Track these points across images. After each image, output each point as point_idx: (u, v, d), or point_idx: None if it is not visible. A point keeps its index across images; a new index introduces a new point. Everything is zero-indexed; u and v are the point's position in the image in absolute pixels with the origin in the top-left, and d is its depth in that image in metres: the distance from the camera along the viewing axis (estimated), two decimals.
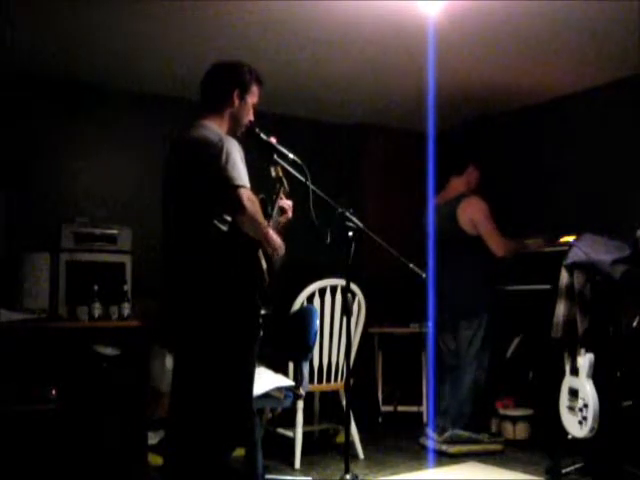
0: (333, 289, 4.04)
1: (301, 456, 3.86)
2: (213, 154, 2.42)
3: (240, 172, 2.41)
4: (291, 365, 3.80)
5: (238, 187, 2.39)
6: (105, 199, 4.67)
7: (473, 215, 4.22)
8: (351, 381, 3.11)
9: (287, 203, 2.72)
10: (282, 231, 2.67)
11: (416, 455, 4.14)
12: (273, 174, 2.70)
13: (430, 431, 4.28)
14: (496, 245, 4.18)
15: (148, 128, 4.78)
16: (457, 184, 4.42)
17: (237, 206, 2.39)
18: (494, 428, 4.48)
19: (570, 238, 3.99)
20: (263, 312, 2.53)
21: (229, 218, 2.45)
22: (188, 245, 2.49)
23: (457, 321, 4.28)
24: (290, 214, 2.73)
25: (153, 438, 3.97)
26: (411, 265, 3.06)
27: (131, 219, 4.43)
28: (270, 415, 4.22)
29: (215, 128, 2.56)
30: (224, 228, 2.44)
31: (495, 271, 4.35)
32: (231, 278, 2.45)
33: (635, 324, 3.44)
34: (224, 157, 2.40)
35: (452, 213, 4.27)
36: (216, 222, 2.43)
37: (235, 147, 2.46)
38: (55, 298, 3.94)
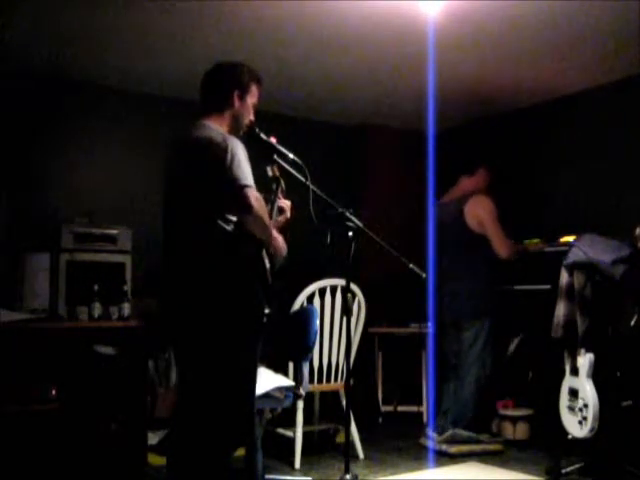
0: (333, 289, 4.04)
1: (301, 456, 3.86)
2: (218, 154, 2.42)
3: (245, 172, 2.42)
4: (291, 365, 3.80)
5: (244, 187, 2.39)
6: (105, 199, 4.67)
7: (480, 213, 4.21)
8: (351, 381, 3.11)
9: (286, 203, 2.72)
10: (283, 231, 2.67)
11: (416, 455, 4.14)
12: (270, 174, 2.70)
13: (430, 431, 4.28)
14: (501, 246, 4.17)
15: (148, 128, 4.79)
16: (466, 184, 4.40)
17: (244, 206, 2.38)
18: (494, 428, 4.48)
19: (570, 238, 3.99)
20: (267, 311, 2.53)
21: (233, 218, 2.45)
22: (192, 245, 2.49)
23: (460, 321, 4.27)
24: (289, 214, 2.73)
25: (153, 438, 3.97)
26: (411, 265, 3.06)
27: (131, 219, 4.43)
28: (270, 415, 4.22)
29: (218, 128, 2.56)
30: (228, 228, 2.44)
31: (500, 272, 4.33)
32: (235, 278, 2.45)
33: (633, 323, 3.44)
34: (229, 157, 2.40)
35: (459, 210, 4.26)
36: (220, 222, 2.43)
37: (239, 147, 2.46)
38: (55, 298, 3.94)
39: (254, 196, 2.40)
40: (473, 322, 4.21)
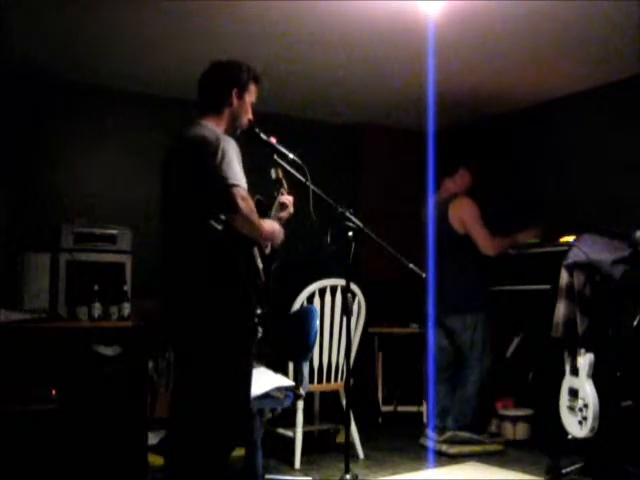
0: (333, 289, 4.04)
1: (301, 456, 3.86)
2: (209, 153, 2.41)
3: (235, 171, 2.41)
4: (291, 365, 3.79)
5: (232, 186, 2.38)
6: (105, 199, 4.67)
7: (462, 214, 4.29)
8: (351, 381, 3.11)
9: (288, 198, 2.72)
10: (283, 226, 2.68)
11: (416, 455, 4.14)
12: (273, 175, 2.70)
13: (430, 431, 4.28)
14: (484, 244, 4.24)
15: (148, 128, 4.79)
16: (449, 185, 4.49)
17: (230, 205, 2.38)
18: (494, 428, 4.48)
19: (570, 238, 3.99)
20: (259, 312, 2.53)
21: (224, 217, 2.44)
22: (184, 245, 2.50)
23: (450, 319, 4.29)
24: (292, 209, 2.73)
25: (153, 438, 3.97)
26: (411, 265, 3.06)
27: (131, 219, 4.43)
28: (270, 415, 4.22)
29: (213, 127, 2.55)
30: (219, 227, 2.43)
31: (489, 270, 4.36)
32: (226, 278, 2.45)
33: (635, 324, 3.44)
34: (219, 156, 2.40)
35: (444, 213, 4.34)
36: (211, 221, 2.43)
37: (232, 146, 2.46)
38: (55, 298, 3.94)
39: (241, 196, 2.38)
40: (464, 321, 4.23)
